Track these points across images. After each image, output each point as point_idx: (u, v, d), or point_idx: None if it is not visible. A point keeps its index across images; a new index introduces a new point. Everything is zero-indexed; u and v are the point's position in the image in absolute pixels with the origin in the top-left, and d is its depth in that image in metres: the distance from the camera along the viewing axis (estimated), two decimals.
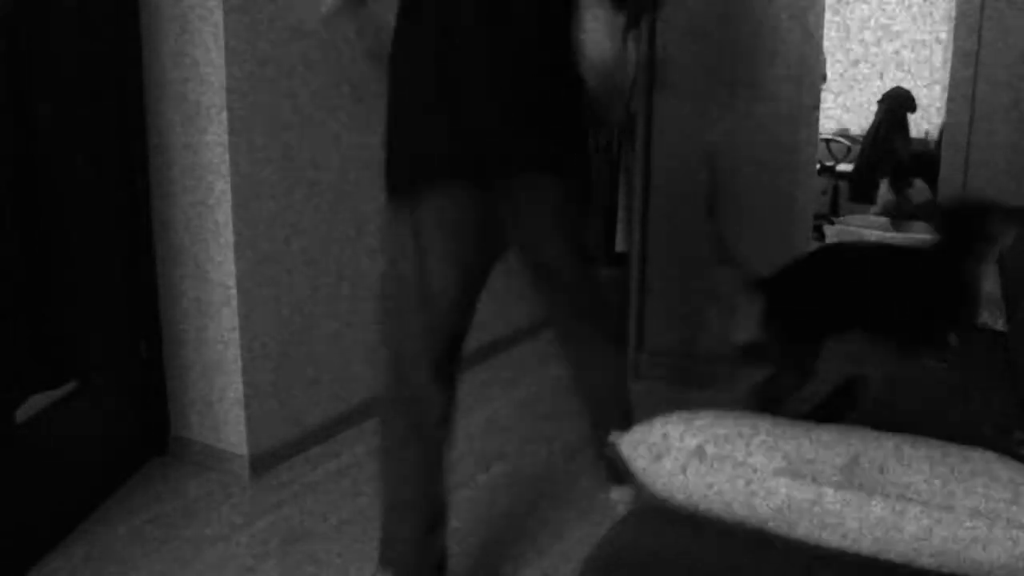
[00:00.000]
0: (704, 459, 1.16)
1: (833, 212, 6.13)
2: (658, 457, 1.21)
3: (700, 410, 1.29)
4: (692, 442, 1.19)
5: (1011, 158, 2.76)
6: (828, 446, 1.11)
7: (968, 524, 0.98)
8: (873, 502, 1.03)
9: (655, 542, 1.21)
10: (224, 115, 2.42)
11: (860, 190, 5.91)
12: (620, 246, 3.82)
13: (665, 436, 1.21)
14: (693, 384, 3.35)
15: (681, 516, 1.21)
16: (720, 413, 1.25)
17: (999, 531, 0.97)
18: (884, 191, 5.18)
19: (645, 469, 1.23)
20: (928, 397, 1.34)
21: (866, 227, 2.71)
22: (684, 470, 1.18)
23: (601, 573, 1.20)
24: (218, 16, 2.36)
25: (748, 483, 1.12)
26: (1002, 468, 1.06)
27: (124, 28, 2.45)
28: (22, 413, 2.14)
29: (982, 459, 1.08)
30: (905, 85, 6.09)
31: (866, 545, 1.05)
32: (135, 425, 2.66)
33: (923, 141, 6.03)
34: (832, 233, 2.71)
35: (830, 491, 1.06)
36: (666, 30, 3.23)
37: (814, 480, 1.08)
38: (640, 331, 3.46)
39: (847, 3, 6.40)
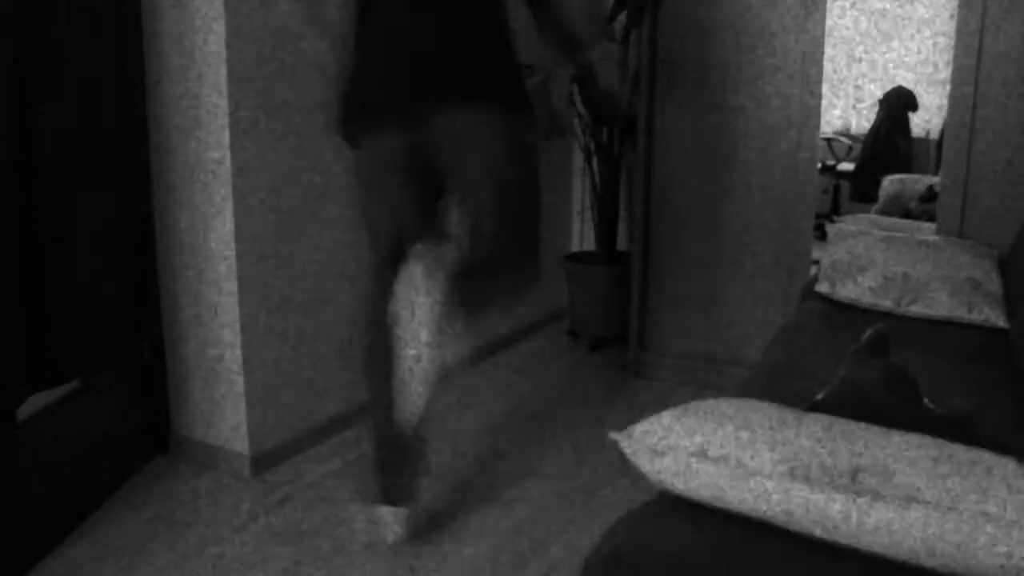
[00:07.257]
0: (706, 459, 1.16)
1: (834, 211, 6.14)
2: (660, 455, 1.21)
3: (701, 401, 1.29)
4: (695, 441, 1.19)
5: (1012, 158, 2.76)
6: (832, 448, 1.11)
7: (974, 526, 0.98)
8: (879, 505, 1.03)
9: (656, 541, 1.21)
10: (226, 115, 2.42)
11: (861, 189, 5.92)
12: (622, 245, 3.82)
13: (667, 433, 1.21)
14: (693, 383, 3.35)
15: (681, 515, 1.21)
16: (721, 406, 1.25)
17: (1005, 533, 0.97)
18: (887, 187, 5.17)
19: (647, 465, 1.23)
20: (927, 395, 1.34)
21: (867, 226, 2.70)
22: (687, 468, 1.18)
23: (601, 572, 1.20)
24: (220, 13, 2.36)
25: (752, 485, 1.12)
26: (1004, 468, 1.05)
27: (126, 25, 2.46)
28: (23, 412, 2.14)
29: (985, 458, 1.08)
30: (906, 84, 6.09)
31: (872, 545, 1.04)
32: (137, 424, 2.66)
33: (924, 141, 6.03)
34: (833, 232, 2.70)
35: (836, 495, 1.06)
36: (667, 29, 3.23)
37: (819, 484, 1.07)
38: (640, 331, 3.46)
39: (849, 2, 6.39)
